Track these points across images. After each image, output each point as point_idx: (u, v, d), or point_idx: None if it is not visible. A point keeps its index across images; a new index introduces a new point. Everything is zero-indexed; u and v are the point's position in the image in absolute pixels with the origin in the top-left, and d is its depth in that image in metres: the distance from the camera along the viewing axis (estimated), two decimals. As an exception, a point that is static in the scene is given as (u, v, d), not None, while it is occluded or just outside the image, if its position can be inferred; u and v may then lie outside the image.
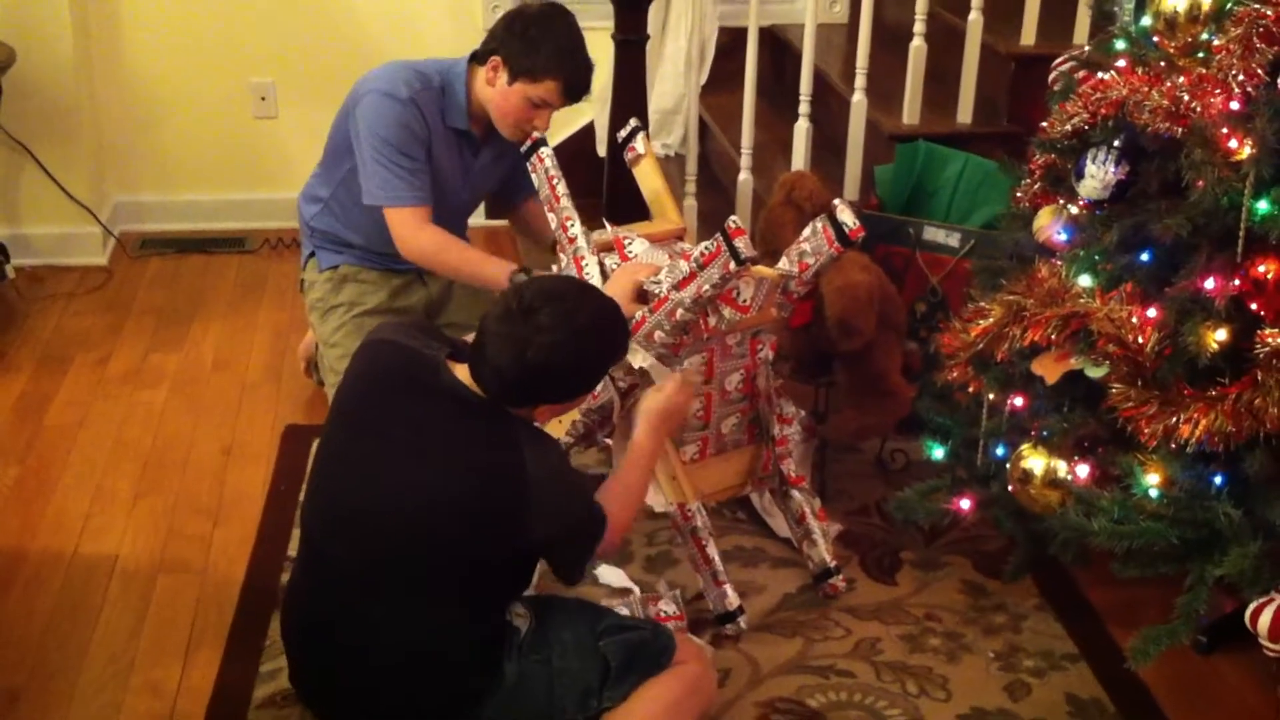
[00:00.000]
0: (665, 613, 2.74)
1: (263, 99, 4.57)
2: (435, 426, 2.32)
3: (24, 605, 2.86)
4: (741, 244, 2.63)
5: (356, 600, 2.32)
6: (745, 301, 2.76)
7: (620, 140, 3.17)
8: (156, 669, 2.69)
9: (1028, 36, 3.85)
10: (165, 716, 2.57)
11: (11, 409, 3.57)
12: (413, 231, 3.14)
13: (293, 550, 3.01)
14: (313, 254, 3.41)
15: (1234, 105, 2.42)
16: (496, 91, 3.11)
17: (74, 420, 3.56)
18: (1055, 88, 2.96)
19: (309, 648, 2.41)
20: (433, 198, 3.17)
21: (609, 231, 2.94)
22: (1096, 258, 2.62)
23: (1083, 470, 2.56)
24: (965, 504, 2.84)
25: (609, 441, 2.99)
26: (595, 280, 2.85)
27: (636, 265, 2.82)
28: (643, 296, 2.74)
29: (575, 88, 3.11)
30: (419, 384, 2.35)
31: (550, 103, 3.10)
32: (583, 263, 2.91)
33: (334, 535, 2.35)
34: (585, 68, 3.12)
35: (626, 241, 2.90)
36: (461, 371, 2.34)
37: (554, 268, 3.01)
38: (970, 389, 2.79)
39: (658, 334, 2.69)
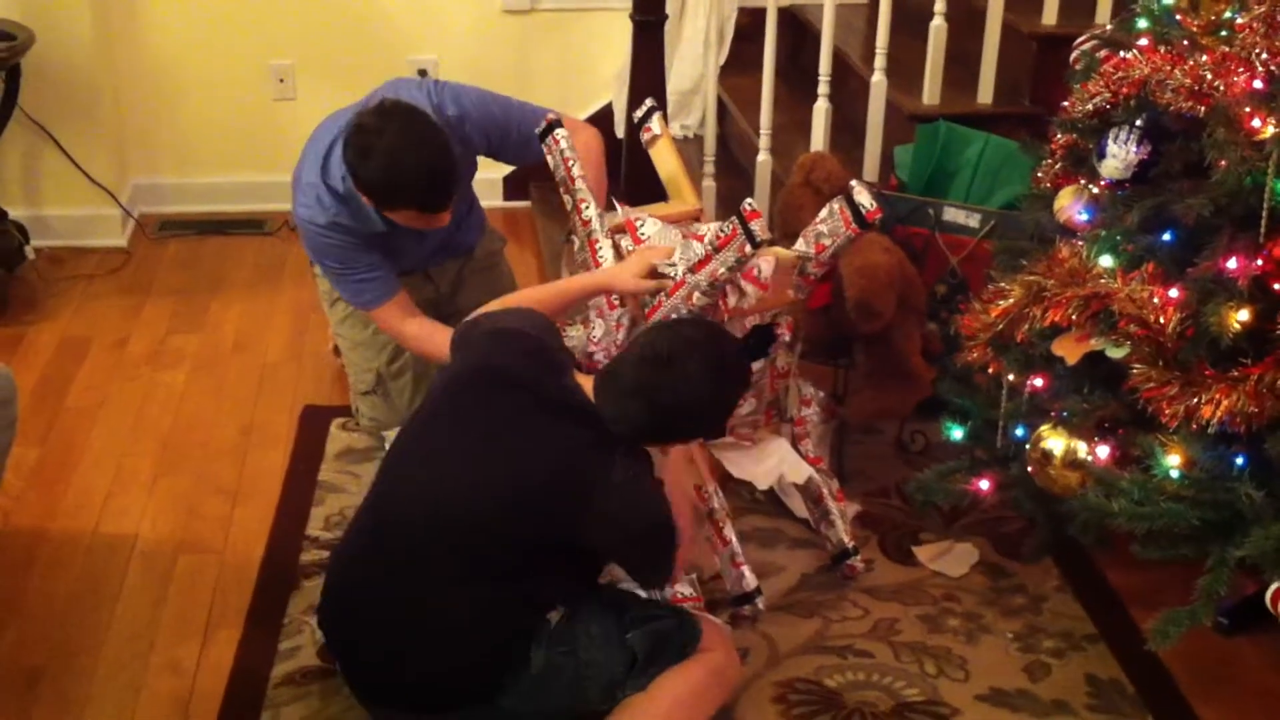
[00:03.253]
0: (682, 594, 2.73)
1: (282, 81, 4.57)
2: (528, 428, 2.35)
3: (45, 585, 2.88)
4: (757, 226, 2.62)
5: (402, 584, 2.34)
6: (766, 279, 2.76)
7: (637, 121, 3.16)
8: (176, 648, 2.71)
9: (1049, 16, 3.82)
10: (185, 694, 2.59)
11: (32, 390, 3.58)
12: (397, 326, 3.08)
13: (312, 529, 3.02)
14: None
15: (1257, 84, 2.40)
16: (396, 213, 2.89)
17: (94, 401, 3.58)
18: (1077, 67, 2.93)
19: (352, 615, 2.42)
20: (397, 278, 3.08)
21: (620, 213, 2.94)
22: (1118, 238, 2.60)
23: (1103, 451, 2.55)
24: (985, 485, 2.83)
25: None
26: (608, 262, 2.85)
27: (651, 248, 2.81)
28: (657, 279, 2.74)
29: (425, 205, 2.82)
30: (529, 384, 2.39)
31: (419, 218, 2.86)
32: (597, 245, 2.90)
33: (391, 520, 2.38)
34: (424, 189, 2.79)
35: (638, 223, 2.90)
36: (586, 384, 2.39)
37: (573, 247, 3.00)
38: (990, 370, 2.77)
39: (674, 318, 2.69)
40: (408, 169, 2.75)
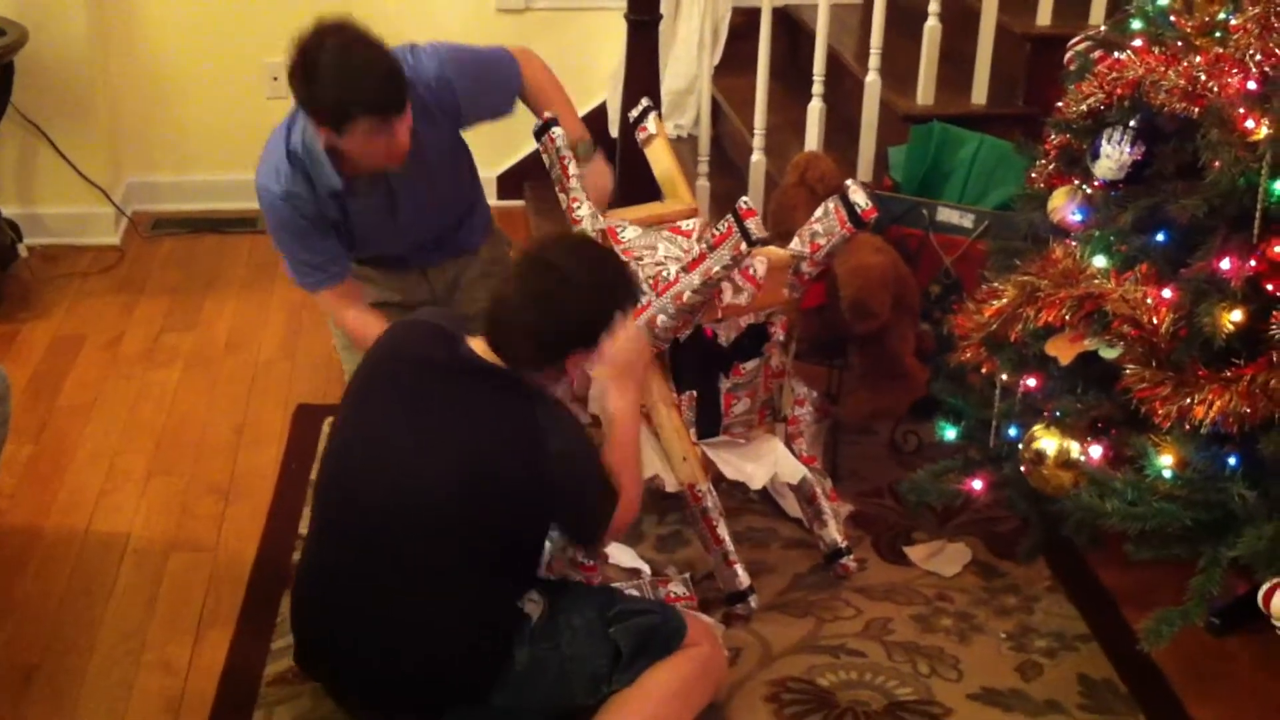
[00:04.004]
0: (675, 594, 2.74)
1: (275, 79, 4.54)
2: (451, 404, 2.33)
3: (38, 583, 2.87)
4: (753, 225, 2.62)
5: (372, 580, 2.32)
6: (760, 277, 2.76)
7: (632, 120, 3.16)
8: (169, 646, 2.70)
9: (1044, 16, 3.83)
10: (177, 694, 2.58)
11: (25, 388, 3.58)
12: (338, 312, 3.07)
13: (304, 529, 3.01)
14: None
15: (1251, 85, 2.40)
16: (340, 143, 2.81)
17: (87, 399, 3.57)
18: (1071, 68, 2.94)
19: (322, 627, 2.41)
20: (349, 263, 3.06)
21: (601, 221, 2.93)
22: (1112, 238, 2.61)
23: (1096, 451, 2.55)
24: (978, 485, 2.83)
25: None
26: None
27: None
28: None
29: (381, 106, 2.74)
30: (436, 362, 2.36)
31: (377, 130, 2.77)
32: None
33: (350, 516, 2.35)
34: (375, 87, 2.73)
35: (619, 228, 2.90)
36: (478, 345, 2.35)
37: None
38: (984, 370, 2.78)
39: (660, 318, 2.69)
40: (354, 68, 2.71)
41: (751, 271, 2.75)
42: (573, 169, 2.96)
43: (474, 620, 2.34)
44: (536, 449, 2.30)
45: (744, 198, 2.68)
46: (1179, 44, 2.60)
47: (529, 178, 4.58)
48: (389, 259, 3.21)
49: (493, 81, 3.09)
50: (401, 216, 3.07)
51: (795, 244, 2.85)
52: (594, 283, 2.36)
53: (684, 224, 2.86)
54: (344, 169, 2.89)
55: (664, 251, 2.81)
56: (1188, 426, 2.39)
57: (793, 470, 2.86)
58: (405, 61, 2.92)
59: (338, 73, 2.71)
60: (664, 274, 2.71)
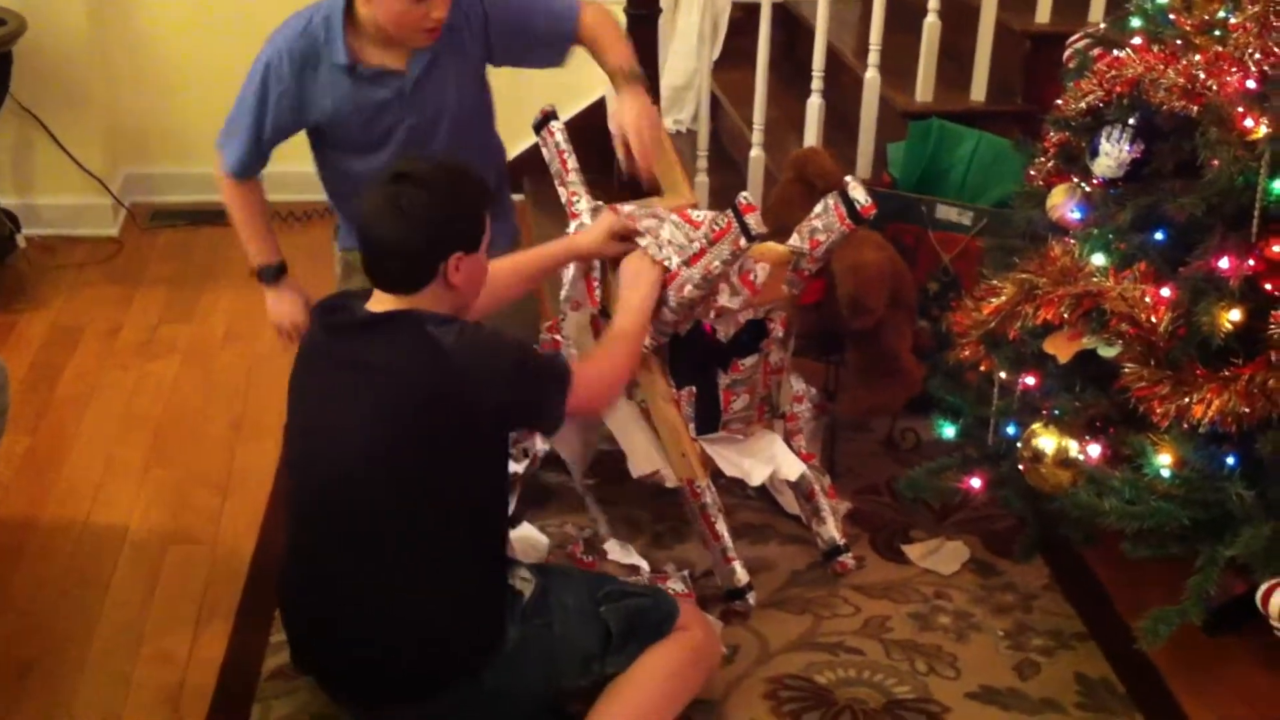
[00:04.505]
0: (675, 590, 2.74)
1: (274, 71, 4.55)
2: (357, 362, 2.30)
3: (35, 575, 2.87)
4: (752, 220, 2.63)
5: (349, 565, 2.31)
6: (759, 284, 2.76)
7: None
8: (167, 639, 2.70)
9: (1043, 14, 3.83)
10: (176, 687, 2.59)
11: (22, 379, 3.58)
12: (218, 177, 3.08)
13: (303, 523, 3.01)
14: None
15: (1250, 84, 2.41)
16: (374, 5, 2.77)
17: (85, 391, 3.57)
18: (1070, 65, 2.94)
19: (309, 622, 2.40)
20: (261, 164, 3.04)
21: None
22: (1110, 236, 2.61)
23: (1094, 450, 2.55)
24: (976, 483, 2.84)
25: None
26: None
27: (613, 208, 2.84)
28: (624, 243, 2.76)
29: None
30: (341, 327, 2.35)
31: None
32: None
33: (311, 504, 2.36)
34: None
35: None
36: (375, 298, 2.33)
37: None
38: (982, 368, 2.78)
39: (664, 310, 2.69)
40: None
41: (751, 277, 2.75)
42: (571, 162, 2.95)
43: (462, 596, 2.33)
44: (436, 355, 2.24)
45: (743, 193, 2.68)
46: (1178, 42, 2.60)
47: (528, 172, 4.57)
48: None
49: (535, 29, 2.98)
50: (399, 135, 2.97)
51: (794, 240, 2.85)
52: (448, 180, 2.30)
53: (694, 213, 2.85)
54: (360, 57, 2.85)
55: (669, 232, 2.81)
56: (1186, 425, 2.40)
57: (791, 467, 2.86)
58: None
59: None
60: (667, 264, 2.71)
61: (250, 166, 3.04)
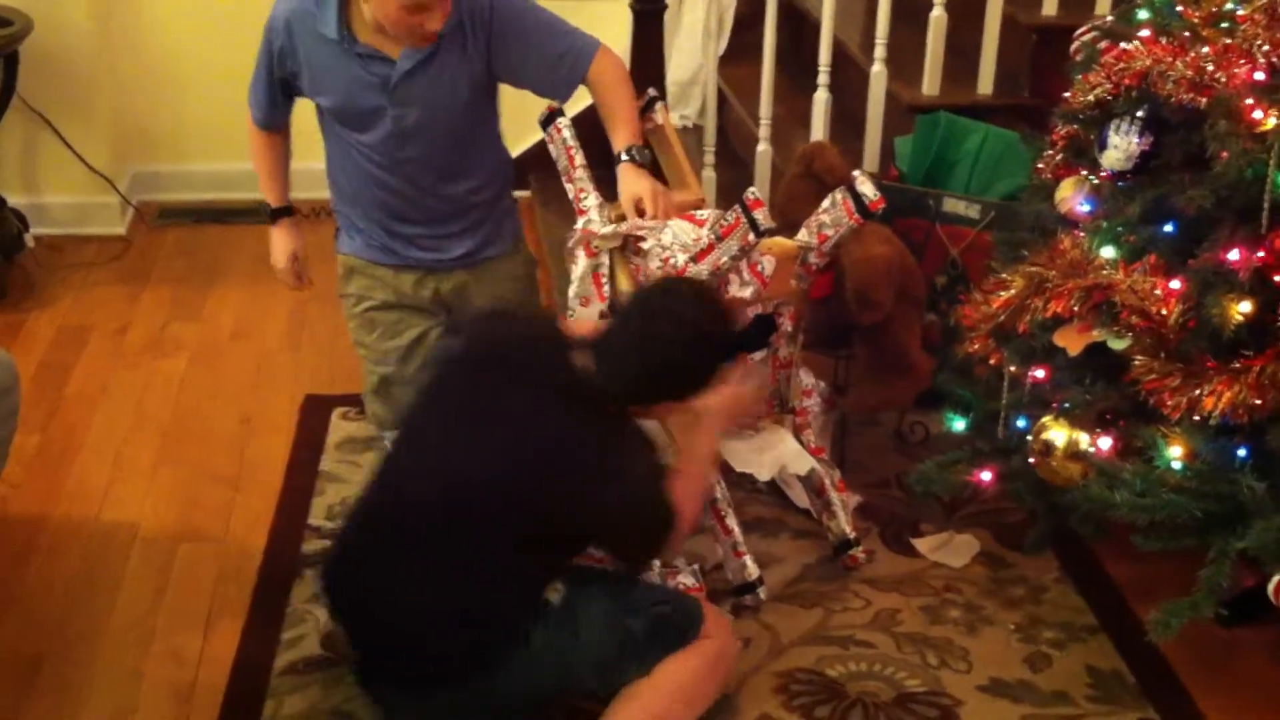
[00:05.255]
0: (685, 585, 2.74)
1: (280, 69, 4.56)
2: (525, 410, 2.37)
3: (45, 573, 2.88)
4: (760, 215, 2.63)
5: (419, 554, 2.34)
6: (768, 275, 2.76)
7: (638, 111, 3.15)
8: (178, 637, 2.71)
9: (1049, 7, 3.82)
10: (187, 684, 2.59)
11: (32, 378, 3.58)
12: (248, 125, 3.18)
13: (314, 519, 3.03)
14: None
15: (1259, 76, 2.41)
16: (372, 2, 2.75)
17: (94, 389, 3.58)
18: (1078, 58, 2.93)
19: (362, 589, 2.42)
20: (279, 116, 3.12)
21: (609, 211, 2.93)
22: (1119, 229, 2.61)
23: (1105, 443, 2.55)
24: (986, 476, 2.83)
25: None
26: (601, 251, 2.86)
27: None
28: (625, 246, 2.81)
29: None
30: (534, 366, 2.43)
31: (414, 8, 2.71)
32: (592, 240, 2.90)
33: (417, 494, 2.37)
34: None
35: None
36: (583, 359, 2.41)
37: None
38: (991, 361, 2.78)
39: (661, 278, 2.69)
40: None
41: (760, 269, 2.75)
42: (579, 159, 2.95)
43: (498, 603, 2.35)
44: (603, 471, 2.34)
45: (751, 188, 2.68)
46: (1186, 34, 2.60)
47: (535, 169, 4.57)
48: (403, 243, 3.15)
49: (545, 53, 2.93)
50: (385, 124, 2.96)
51: (802, 235, 2.85)
52: (705, 343, 2.42)
53: (699, 213, 2.85)
54: (354, 32, 2.84)
55: (670, 237, 2.81)
56: (1197, 418, 2.40)
57: (801, 461, 2.86)
58: None
59: None
60: (673, 261, 2.71)
61: (271, 117, 3.12)
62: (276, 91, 3.06)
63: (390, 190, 3.05)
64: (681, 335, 2.38)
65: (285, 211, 3.21)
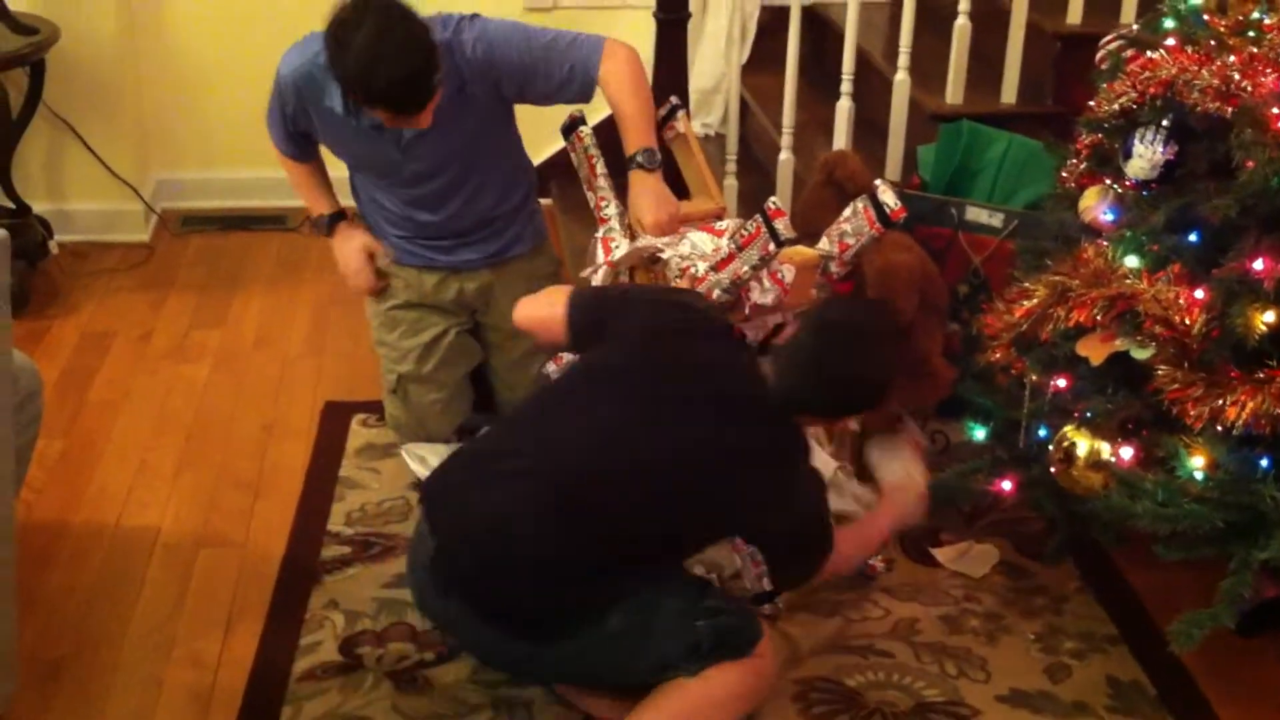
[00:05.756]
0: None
1: (304, 77, 4.57)
2: (726, 409, 2.44)
3: (67, 577, 2.89)
4: (781, 225, 2.62)
5: (552, 514, 2.36)
6: (788, 283, 2.76)
7: (660, 118, 3.15)
8: (198, 641, 2.71)
9: (1074, 15, 3.81)
10: (207, 688, 2.60)
11: (55, 384, 3.60)
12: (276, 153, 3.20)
13: (333, 525, 3.03)
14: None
15: (1285, 85, 2.39)
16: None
17: (117, 395, 3.59)
18: (1103, 67, 2.93)
19: (466, 518, 2.43)
20: (309, 152, 3.17)
21: (599, 230, 2.93)
22: (1143, 238, 2.59)
23: (1126, 452, 2.53)
24: (1006, 485, 2.82)
25: None
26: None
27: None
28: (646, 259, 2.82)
29: (399, 106, 2.73)
30: (722, 365, 2.49)
31: (394, 119, 2.78)
32: (612, 243, 2.90)
33: (568, 464, 2.40)
34: (398, 87, 2.69)
35: (614, 245, 2.90)
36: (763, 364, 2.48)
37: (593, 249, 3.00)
38: (1013, 370, 2.77)
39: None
40: (384, 59, 2.65)
41: (780, 276, 2.74)
42: (600, 167, 2.96)
43: (604, 580, 2.39)
44: (783, 490, 2.43)
45: (772, 198, 2.68)
46: (1212, 43, 2.58)
47: (556, 176, 4.58)
48: (427, 247, 3.18)
49: (548, 76, 2.94)
50: (404, 176, 3.02)
51: (823, 243, 2.85)
52: (888, 363, 2.54)
53: (719, 223, 2.85)
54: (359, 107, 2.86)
55: (689, 248, 2.81)
56: (1219, 428, 2.38)
57: (821, 469, 2.85)
58: (454, 33, 2.88)
59: (367, 60, 2.67)
60: (692, 270, 2.71)
61: (303, 153, 3.15)
62: (297, 136, 3.10)
63: (411, 217, 3.09)
64: (868, 353, 2.48)
65: (340, 215, 3.22)
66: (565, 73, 2.93)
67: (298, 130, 3.07)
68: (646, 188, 2.88)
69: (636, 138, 2.92)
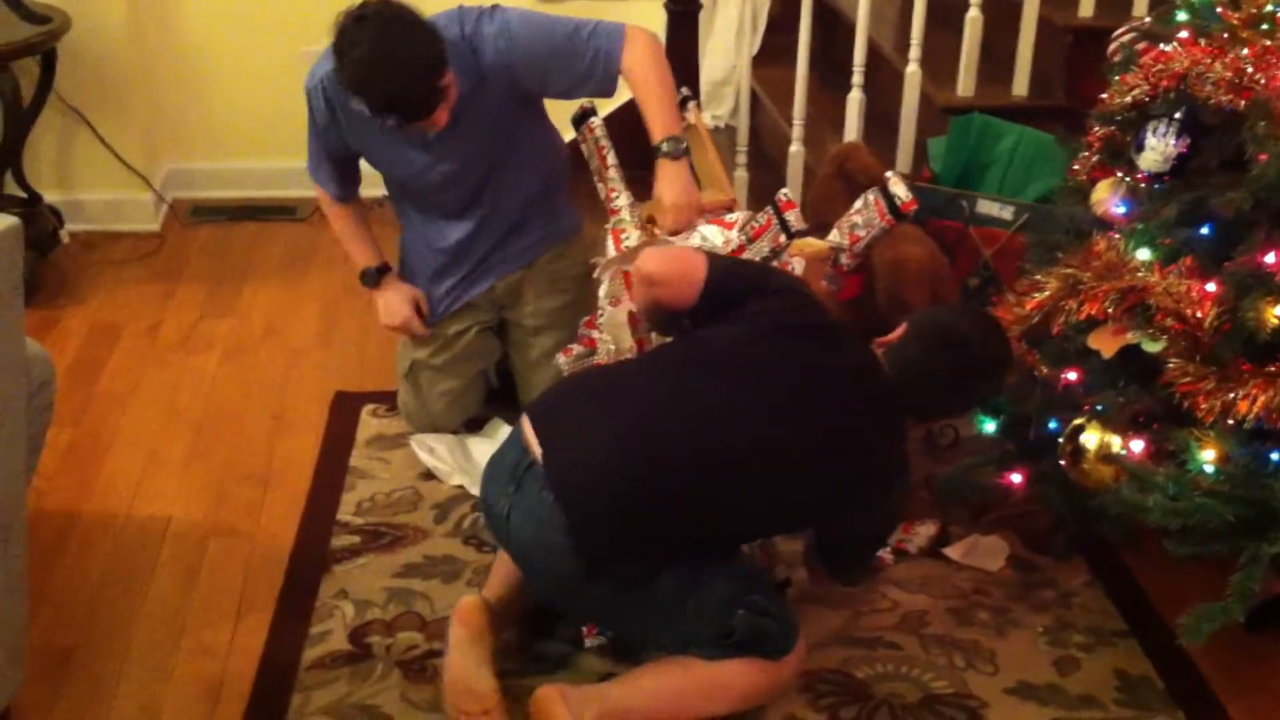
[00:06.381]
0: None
1: (314, 67, 4.57)
2: (855, 404, 2.48)
3: (77, 567, 2.89)
4: (792, 217, 2.62)
5: (641, 482, 2.35)
6: (798, 275, 2.76)
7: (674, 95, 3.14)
8: (207, 631, 2.72)
9: (1085, 8, 3.81)
10: (216, 677, 2.60)
11: (65, 374, 3.60)
12: (319, 195, 3.25)
13: (343, 515, 3.03)
14: None
15: (1298, 78, 2.39)
16: None
17: (126, 385, 3.59)
18: (1115, 59, 2.92)
19: (569, 439, 2.42)
20: (351, 187, 3.21)
21: (610, 222, 2.92)
22: (1155, 231, 2.59)
23: (1137, 446, 2.53)
24: (1016, 479, 2.82)
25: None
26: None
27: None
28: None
29: (405, 114, 2.76)
30: (850, 363, 2.52)
31: (400, 126, 2.81)
32: (622, 235, 2.90)
33: (675, 437, 2.38)
34: (400, 95, 2.72)
35: (624, 237, 2.90)
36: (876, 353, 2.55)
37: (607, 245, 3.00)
38: (1024, 363, 2.77)
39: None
40: (385, 67, 2.67)
41: (790, 268, 2.74)
42: (611, 159, 2.96)
43: (676, 542, 2.40)
44: (880, 489, 2.52)
45: (783, 189, 2.68)
46: (1225, 36, 2.58)
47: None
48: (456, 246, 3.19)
49: (570, 67, 2.94)
50: (433, 178, 3.04)
51: (834, 236, 2.84)
52: (999, 372, 2.62)
53: (729, 215, 2.85)
54: None
55: (699, 240, 2.80)
56: (1230, 421, 2.38)
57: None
58: (474, 28, 2.89)
59: (365, 75, 2.70)
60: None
61: (345, 190, 3.19)
62: (335, 163, 3.11)
63: (449, 242, 3.16)
64: (980, 360, 2.56)
65: (386, 268, 3.26)
66: (587, 63, 2.92)
67: (335, 155, 3.09)
68: (672, 176, 2.88)
69: (661, 126, 2.90)
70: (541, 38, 2.91)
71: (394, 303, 3.21)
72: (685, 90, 3.16)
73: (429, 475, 3.17)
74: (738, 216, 2.89)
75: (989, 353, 2.58)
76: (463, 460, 3.17)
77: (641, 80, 2.92)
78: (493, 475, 2.49)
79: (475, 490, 3.08)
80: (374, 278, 3.23)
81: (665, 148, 2.88)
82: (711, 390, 2.42)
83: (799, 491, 2.42)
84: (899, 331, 2.57)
